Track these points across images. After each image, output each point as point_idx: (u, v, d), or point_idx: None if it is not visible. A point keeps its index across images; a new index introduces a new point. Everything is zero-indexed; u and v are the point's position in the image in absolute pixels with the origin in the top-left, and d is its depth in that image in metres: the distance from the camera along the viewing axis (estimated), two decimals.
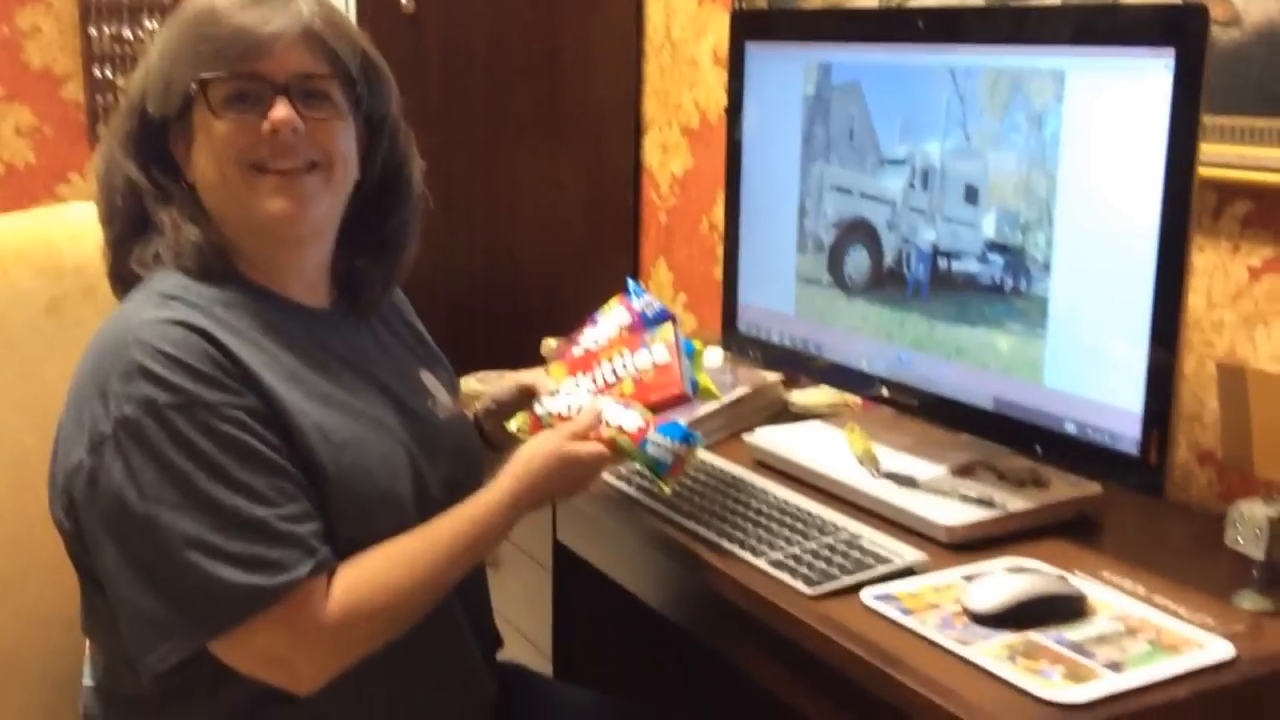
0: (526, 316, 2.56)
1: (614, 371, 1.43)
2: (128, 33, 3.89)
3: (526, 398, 1.46)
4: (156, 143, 1.28)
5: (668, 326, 1.47)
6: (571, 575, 1.83)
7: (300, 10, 1.25)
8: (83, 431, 1.17)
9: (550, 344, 2.16)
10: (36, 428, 1.47)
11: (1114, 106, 1.34)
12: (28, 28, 3.79)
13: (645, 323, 1.51)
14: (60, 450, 1.22)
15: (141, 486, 1.13)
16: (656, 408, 1.39)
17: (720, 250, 2.43)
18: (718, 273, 2.44)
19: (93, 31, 3.85)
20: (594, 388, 1.43)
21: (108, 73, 3.88)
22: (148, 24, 3.89)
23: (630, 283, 1.59)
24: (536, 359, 2.13)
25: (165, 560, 1.13)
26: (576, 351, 1.51)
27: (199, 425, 1.14)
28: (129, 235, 1.29)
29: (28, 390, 1.47)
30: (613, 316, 1.54)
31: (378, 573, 1.21)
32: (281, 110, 1.22)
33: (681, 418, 1.43)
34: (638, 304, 1.53)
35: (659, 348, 1.44)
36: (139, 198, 1.28)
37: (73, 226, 1.55)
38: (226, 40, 1.22)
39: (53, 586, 1.47)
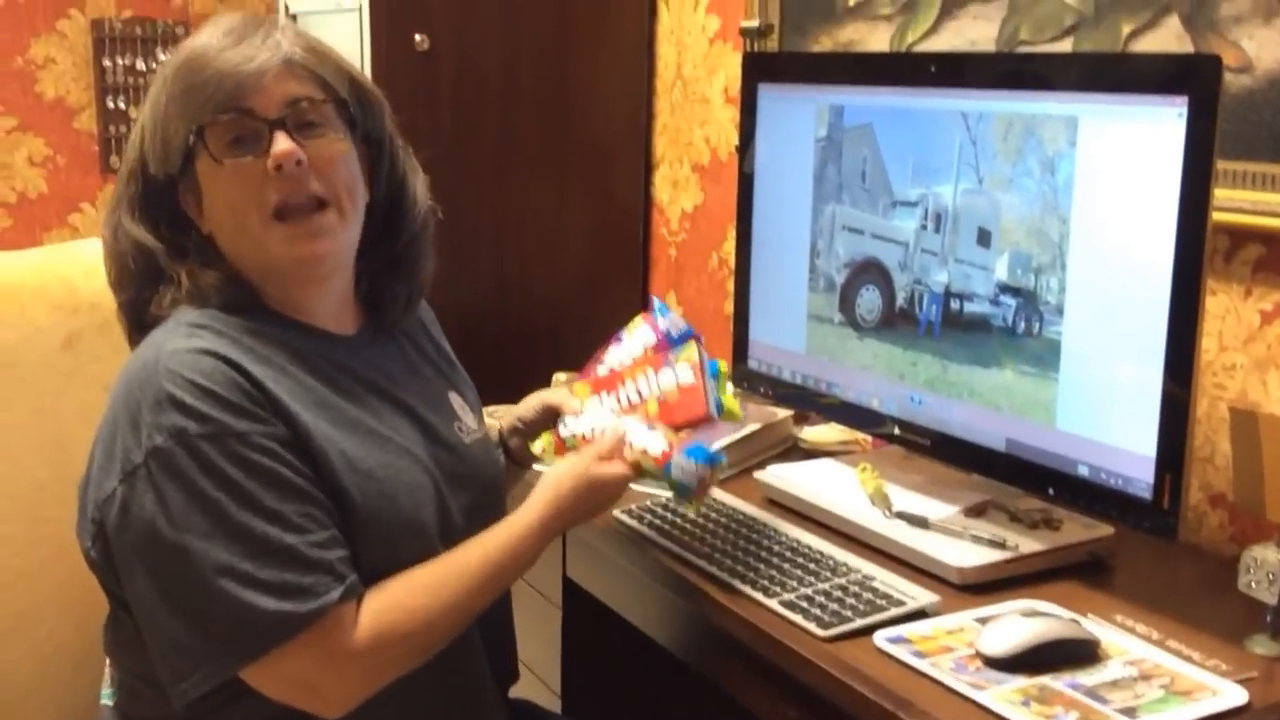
0: (535, 349, 2.56)
1: (638, 392, 1.43)
2: (141, 64, 3.93)
3: (551, 417, 1.47)
4: (164, 202, 1.28)
5: (692, 346, 1.46)
6: (581, 612, 1.83)
7: (280, 43, 1.26)
8: (114, 461, 1.18)
9: (560, 378, 2.16)
10: (50, 462, 1.48)
11: (1127, 153, 1.34)
12: (42, 59, 3.82)
13: (670, 342, 1.50)
14: (92, 479, 1.22)
15: (173, 515, 1.14)
16: (680, 429, 1.39)
17: (730, 285, 2.44)
18: (727, 307, 2.45)
19: (106, 63, 3.89)
20: (618, 408, 1.43)
21: (120, 104, 3.91)
22: (161, 56, 3.92)
23: (655, 301, 1.58)
24: None
25: (197, 588, 1.14)
26: (601, 370, 1.51)
27: (229, 454, 1.15)
28: (143, 292, 1.29)
29: (42, 426, 1.48)
30: (637, 335, 1.53)
31: (406, 598, 1.22)
32: (282, 144, 1.22)
33: (703, 439, 1.42)
34: (663, 323, 1.52)
35: (683, 368, 1.43)
36: (152, 258, 1.28)
37: (88, 263, 1.56)
38: (214, 85, 1.22)
39: (66, 621, 1.47)
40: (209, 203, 1.26)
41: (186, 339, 1.21)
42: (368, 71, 2.31)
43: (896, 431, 1.66)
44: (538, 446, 1.44)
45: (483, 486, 1.40)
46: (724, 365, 1.51)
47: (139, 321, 1.30)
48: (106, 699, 1.34)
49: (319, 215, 1.25)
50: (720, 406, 1.45)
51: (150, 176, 1.27)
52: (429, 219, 1.41)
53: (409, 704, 1.26)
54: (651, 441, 1.35)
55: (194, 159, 1.24)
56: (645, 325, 1.54)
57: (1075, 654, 1.25)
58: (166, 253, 1.27)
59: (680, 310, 2.60)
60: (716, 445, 1.71)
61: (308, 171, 1.24)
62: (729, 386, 1.51)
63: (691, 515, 1.44)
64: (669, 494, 1.63)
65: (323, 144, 1.26)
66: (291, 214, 1.24)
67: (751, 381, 1.88)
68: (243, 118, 1.23)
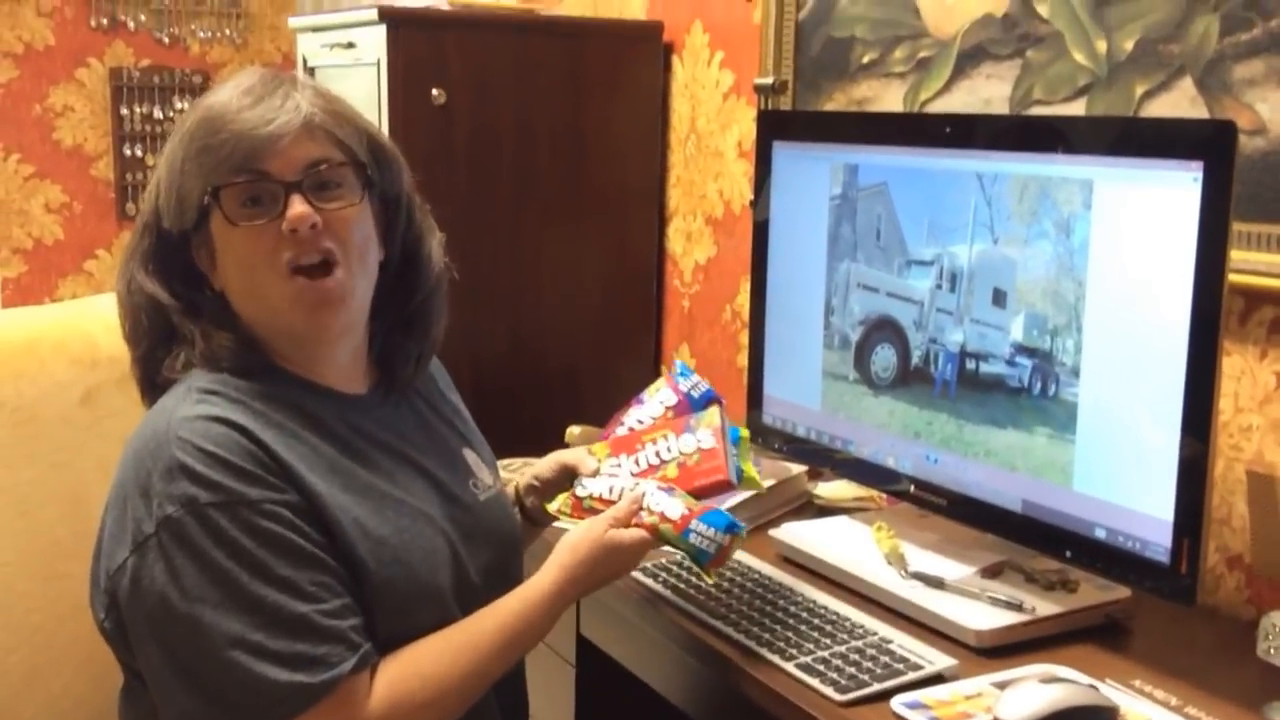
0: (549, 401, 2.57)
1: (658, 454, 1.42)
2: (158, 113, 3.97)
3: (568, 476, 1.46)
4: (178, 257, 1.27)
5: (714, 411, 1.46)
6: (595, 671, 1.82)
7: (299, 104, 1.25)
8: (125, 531, 1.17)
9: (574, 431, 2.16)
10: (66, 518, 1.48)
11: (1143, 216, 1.35)
12: (61, 107, 3.87)
13: (691, 404, 1.50)
14: (103, 550, 1.22)
15: (184, 586, 1.13)
16: (700, 494, 1.38)
17: (742, 338, 2.45)
18: (740, 360, 2.45)
19: (124, 111, 3.94)
20: (636, 469, 1.42)
21: (137, 151, 3.95)
22: (178, 104, 3.97)
23: (678, 363, 1.59)
24: (557, 443, 2.14)
25: (209, 661, 1.13)
26: (620, 431, 1.51)
27: (240, 522, 1.15)
28: (157, 348, 1.28)
29: (60, 481, 1.48)
30: (658, 396, 1.53)
31: (421, 666, 1.21)
32: (297, 207, 1.22)
33: (718, 505, 1.41)
34: (684, 385, 1.52)
35: (704, 433, 1.43)
36: (164, 314, 1.27)
37: (108, 318, 1.56)
38: (231, 146, 1.22)
39: (81, 677, 1.47)
40: (222, 261, 1.26)
41: (196, 405, 1.20)
42: (385, 126, 2.33)
43: (912, 490, 1.66)
44: (554, 505, 1.43)
45: (499, 545, 1.39)
46: (745, 432, 1.50)
47: (152, 380, 1.30)
48: None
49: (330, 278, 1.24)
50: (740, 474, 1.44)
51: (164, 231, 1.27)
52: (443, 278, 1.41)
53: None
54: (670, 506, 1.33)
55: (208, 217, 1.24)
56: (666, 386, 1.54)
57: None
58: (180, 309, 1.27)
59: (693, 363, 2.61)
60: (731, 502, 1.71)
61: (321, 233, 1.23)
62: (750, 455, 1.50)
63: (709, 583, 1.42)
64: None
65: (338, 206, 1.25)
66: (304, 273, 1.24)
67: (766, 437, 1.88)
68: (259, 180, 1.22)
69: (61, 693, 1.46)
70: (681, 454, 1.42)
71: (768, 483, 1.86)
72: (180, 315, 1.27)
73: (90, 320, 1.56)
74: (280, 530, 1.16)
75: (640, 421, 1.52)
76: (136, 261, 1.29)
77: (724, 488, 1.41)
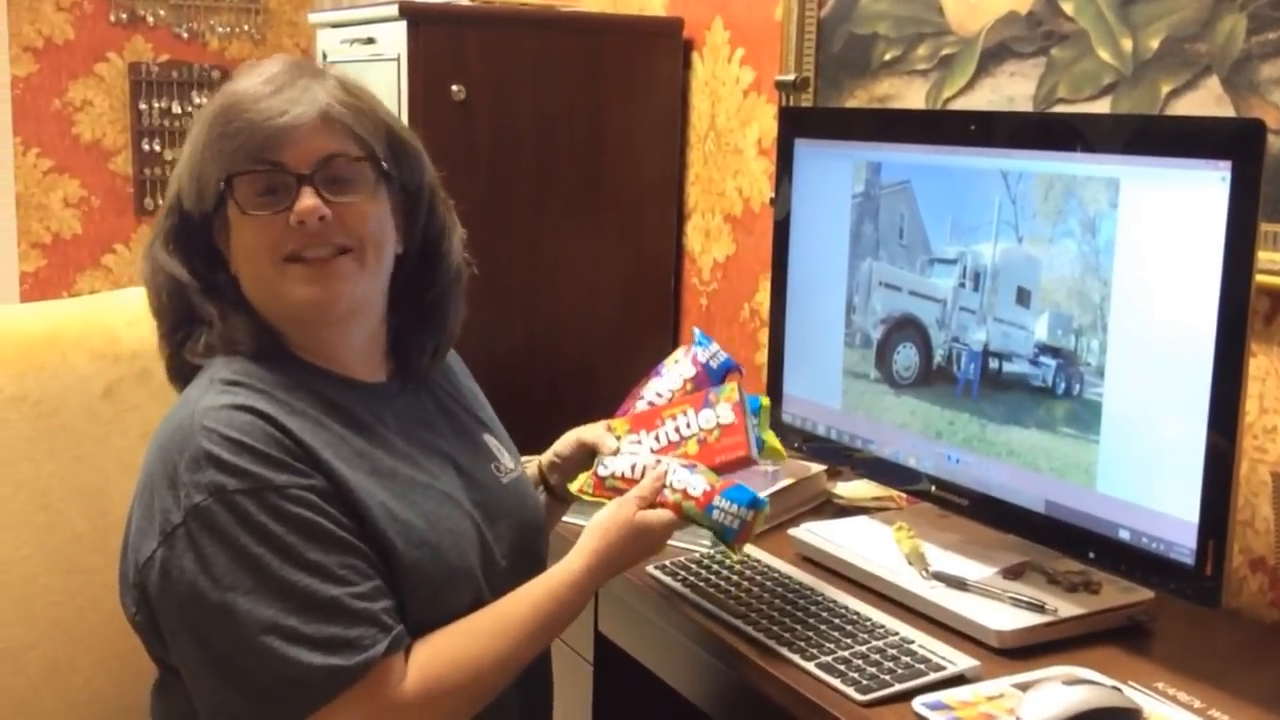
0: (566, 398, 2.56)
1: (677, 430, 1.42)
2: (176, 108, 3.98)
3: (588, 454, 1.46)
4: (198, 237, 1.28)
5: (733, 386, 1.44)
6: (613, 668, 1.82)
7: (318, 96, 1.25)
8: (153, 524, 1.18)
9: None
10: (87, 513, 1.48)
11: (1169, 215, 1.34)
12: (80, 102, 3.87)
13: (710, 375, 1.48)
14: (131, 544, 1.22)
15: (215, 574, 1.13)
16: (721, 469, 1.37)
17: (761, 336, 2.44)
18: (758, 358, 2.45)
19: (142, 106, 3.94)
20: (656, 446, 1.41)
21: (155, 146, 3.96)
22: (196, 99, 3.97)
23: (696, 332, 1.56)
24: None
25: (243, 648, 1.13)
26: (640, 405, 1.49)
27: (269, 508, 1.15)
28: (179, 329, 1.29)
29: (81, 475, 1.48)
30: (676, 369, 1.51)
31: (454, 649, 1.21)
32: (307, 200, 1.22)
33: (743, 482, 1.39)
34: (703, 355, 1.50)
35: (724, 408, 1.42)
36: (184, 293, 1.28)
37: (129, 312, 1.57)
38: (247, 134, 1.22)
39: (101, 671, 1.47)
40: (234, 247, 1.27)
41: (220, 395, 1.20)
42: (404, 121, 2.32)
43: (933, 490, 1.65)
44: (576, 485, 1.42)
45: (523, 526, 1.39)
46: (765, 400, 1.48)
47: (176, 362, 1.30)
48: None
49: (336, 261, 1.24)
50: (761, 444, 1.43)
51: (186, 212, 1.28)
52: (461, 273, 1.41)
53: None
54: (693, 483, 1.33)
55: (225, 203, 1.25)
56: (685, 358, 1.52)
57: None
58: (199, 289, 1.28)
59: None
60: (764, 488, 1.70)
61: (331, 226, 1.23)
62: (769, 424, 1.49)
63: (735, 559, 1.40)
64: (707, 544, 1.63)
65: (350, 200, 1.25)
66: (306, 260, 1.24)
67: (786, 436, 1.87)
68: (272, 170, 1.23)
69: (81, 686, 1.46)
70: (702, 430, 1.41)
71: (786, 483, 1.86)
72: (199, 295, 1.28)
73: (112, 314, 1.56)
74: (308, 515, 1.16)
75: (659, 395, 1.49)
76: (160, 240, 1.30)
77: (745, 463, 1.40)
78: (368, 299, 1.30)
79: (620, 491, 1.36)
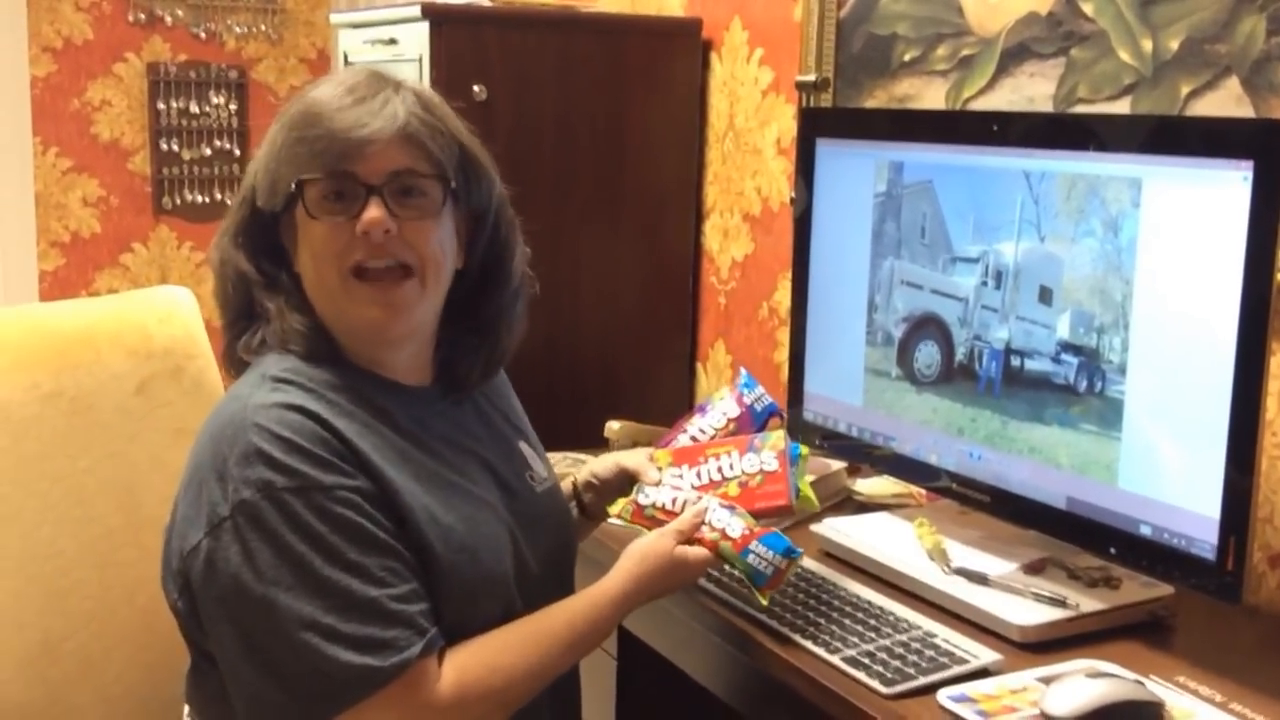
0: (586, 396, 2.58)
1: (719, 470, 1.45)
2: (194, 108, 4.00)
3: (627, 480, 1.48)
4: (267, 233, 1.31)
5: (780, 434, 1.48)
6: (638, 664, 1.84)
7: (397, 111, 1.26)
8: (200, 513, 1.20)
9: (614, 426, 2.18)
10: (122, 507, 1.50)
11: (1191, 215, 1.36)
12: (98, 101, 3.89)
13: (754, 416, 1.53)
14: (176, 531, 1.24)
15: (259, 568, 1.16)
16: (759, 515, 1.40)
17: (779, 335, 2.46)
18: (777, 356, 2.46)
19: (160, 106, 3.96)
20: (698, 483, 1.44)
21: (174, 146, 3.98)
22: (214, 99, 3.99)
23: (743, 373, 1.61)
24: (595, 439, 2.15)
25: (281, 642, 1.15)
26: (682, 439, 1.53)
27: (314, 507, 1.17)
28: (239, 321, 1.33)
29: (115, 470, 1.51)
30: (720, 406, 1.56)
31: (490, 656, 1.23)
32: (374, 211, 1.24)
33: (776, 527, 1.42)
34: (748, 397, 1.55)
35: (769, 455, 1.45)
36: (248, 286, 1.31)
37: (162, 309, 1.59)
38: (324, 143, 1.25)
39: (134, 665, 1.49)
40: (300, 248, 1.30)
41: (272, 393, 1.23)
42: None
43: (954, 486, 1.66)
44: (615, 509, 1.46)
45: (555, 535, 1.42)
46: (805, 450, 1.51)
47: (231, 354, 1.33)
48: None
49: (400, 286, 1.27)
50: (797, 493, 1.47)
51: (257, 208, 1.31)
52: (520, 293, 1.42)
53: None
54: (732, 524, 1.36)
55: (294, 205, 1.28)
56: (730, 396, 1.57)
57: (1140, 716, 1.25)
58: (262, 284, 1.31)
59: (729, 360, 2.62)
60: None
61: (396, 240, 1.26)
62: (807, 472, 1.52)
63: (763, 604, 1.43)
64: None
65: (416, 215, 1.27)
66: (372, 276, 1.26)
67: (806, 433, 1.89)
68: (343, 179, 1.25)
69: (114, 679, 1.49)
70: (745, 473, 1.44)
71: (808, 479, 1.87)
72: (261, 290, 1.31)
73: (144, 312, 1.59)
74: (352, 516, 1.18)
75: (702, 431, 1.54)
76: (230, 233, 1.33)
77: (784, 511, 1.44)
78: (427, 321, 1.33)
79: (659, 522, 1.40)
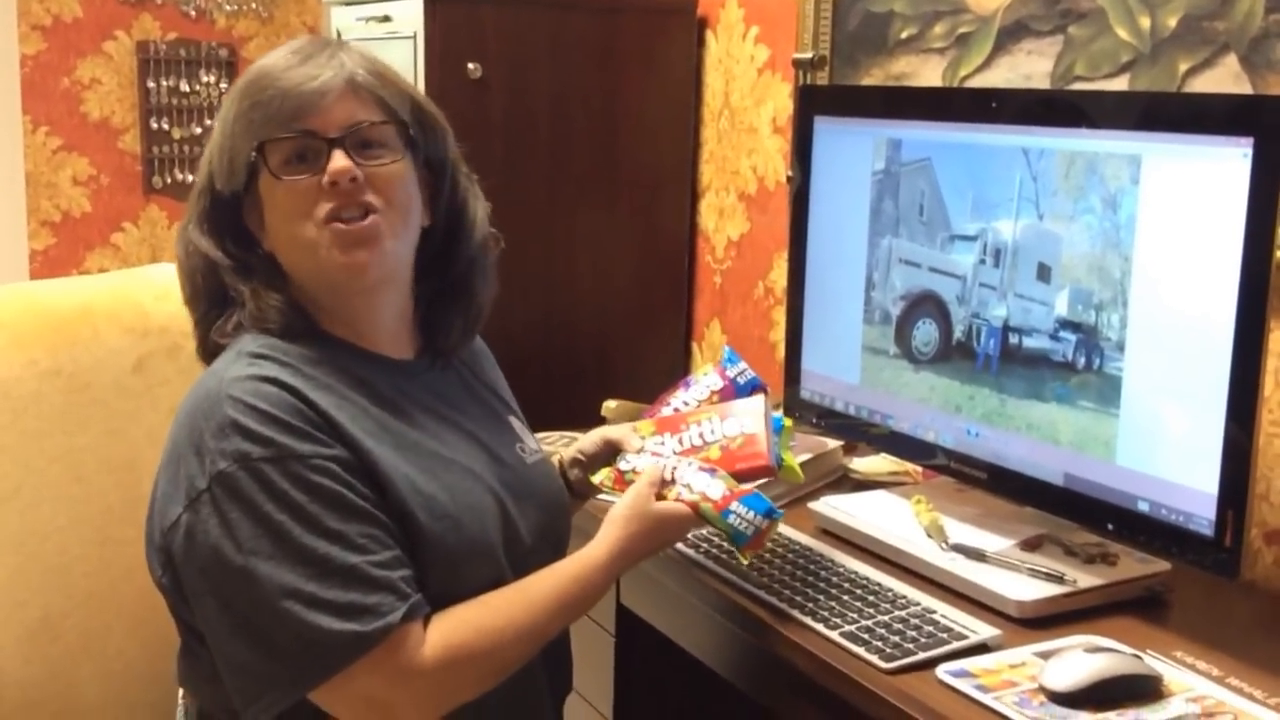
0: (581, 375, 2.58)
1: (701, 436, 1.45)
2: (185, 86, 3.97)
3: (612, 452, 1.49)
4: (230, 218, 1.31)
5: (760, 399, 1.49)
6: (635, 640, 1.84)
7: (344, 63, 1.28)
8: (179, 489, 1.20)
9: (611, 405, 2.18)
10: (121, 485, 1.50)
11: (1191, 191, 1.36)
12: (88, 80, 3.87)
13: (737, 390, 1.53)
14: (157, 509, 1.25)
15: (238, 539, 1.16)
16: (741, 477, 1.41)
17: (775, 314, 2.46)
18: (772, 336, 2.46)
19: (150, 84, 3.94)
20: (679, 448, 1.45)
21: (164, 124, 3.95)
22: (204, 77, 3.97)
23: (725, 349, 1.61)
24: (590, 418, 2.15)
25: (264, 611, 1.16)
26: (666, 411, 1.54)
27: (291, 476, 1.17)
28: (211, 310, 1.32)
29: (114, 448, 1.50)
30: (705, 381, 1.57)
31: (476, 619, 1.23)
32: (338, 161, 1.25)
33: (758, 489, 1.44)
34: (731, 371, 1.56)
35: (748, 419, 1.46)
36: (218, 274, 1.31)
37: (159, 287, 1.59)
38: (277, 103, 1.26)
39: (134, 641, 1.49)
40: (269, 218, 1.29)
41: (248, 367, 1.23)
42: None
43: (951, 464, 1.67)
44: (598, 478, 1.46)
45: (548, 506, 1.42)
46: (788, 422, 1.53)
47: (205, 345, 1.33)
48: None
49: (369, 222, 1.27)
50: (780, 462, 1.47)
51: (217, 193, 1.30)
52: (488, 246, 1.43)
53: (466, 709, 1.26)
54: (711, 487, 1.37)
55: (256, 175, 1.27)
56: (714, 371, 1.58)
57: (1138, 690, 1.25)
58: (232, 269, 1.30)
59: (725, 339, 2.62)
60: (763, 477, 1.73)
61: (362, 187, 1.26)
62: (791, 446, 1.53)
63: (744, 563, 1.44)
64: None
65: (380, 164, 1.28)
66: (345, 223, 1.26)
67: (803, 412, 1.90)
68: (303, 136, 1.25)
69: (115, 655, 1.49)
70: (725, 437, 1.45)
71: (804, 457, 1.87)
72: (232, 274, 1.30)
73: (141, 289, 1.58)
74: (330, 484, 1.18)
75: (686, 404, 1.55)
76: (193, 223, 1.32)
77: (765, 473, 1.44)
78: (398, 267, 1.33)
79: None
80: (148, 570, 1.29)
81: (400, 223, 1.30)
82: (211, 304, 1.32)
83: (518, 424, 1.47)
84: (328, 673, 1.16)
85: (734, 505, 1.36)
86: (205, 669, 1.26)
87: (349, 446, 1.22)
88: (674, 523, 1.36)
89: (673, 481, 1.37)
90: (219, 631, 1.19)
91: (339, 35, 2.72)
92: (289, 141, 1.26)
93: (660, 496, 1.36)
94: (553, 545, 1.40)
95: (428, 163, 1.35)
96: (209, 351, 1.32)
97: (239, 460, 1.17)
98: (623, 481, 1.42)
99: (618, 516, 1.34)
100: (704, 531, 1.65)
